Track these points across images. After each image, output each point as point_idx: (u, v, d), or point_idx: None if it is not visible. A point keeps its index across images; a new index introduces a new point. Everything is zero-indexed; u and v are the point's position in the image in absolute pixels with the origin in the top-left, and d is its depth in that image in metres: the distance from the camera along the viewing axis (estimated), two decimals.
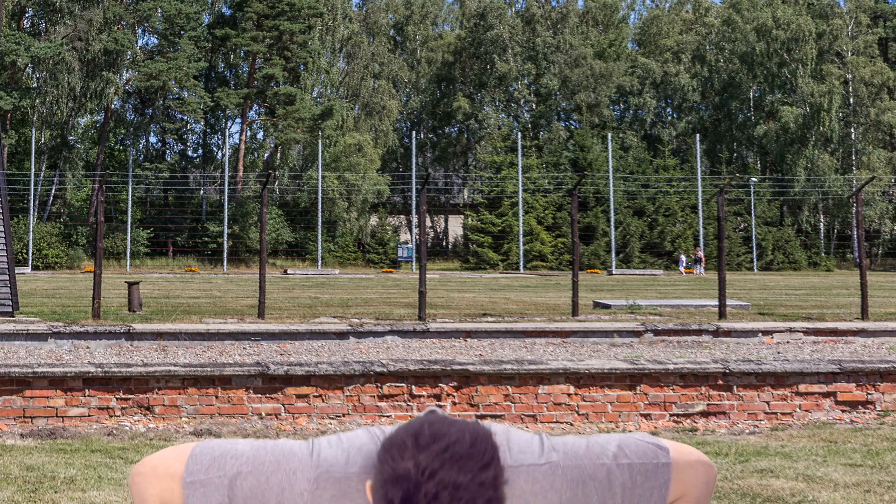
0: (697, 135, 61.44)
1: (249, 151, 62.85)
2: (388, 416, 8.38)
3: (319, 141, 57.05)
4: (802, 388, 8.60)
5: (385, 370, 8.41)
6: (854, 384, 8.71)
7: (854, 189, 49.56)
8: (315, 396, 8.44)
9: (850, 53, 63.49)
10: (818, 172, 60.11)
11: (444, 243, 68.60)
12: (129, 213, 54.26)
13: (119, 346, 14.49)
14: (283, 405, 8.40)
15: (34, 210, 53.08)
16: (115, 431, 7.89)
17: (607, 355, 13.94)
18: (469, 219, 60.59)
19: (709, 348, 14.97)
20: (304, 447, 1.57)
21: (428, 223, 67.56)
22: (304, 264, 55.51)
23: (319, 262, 55.44)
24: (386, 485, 1.33)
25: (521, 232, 56.67)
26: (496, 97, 66.89)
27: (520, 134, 60.35)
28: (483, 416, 8.27)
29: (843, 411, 8.66)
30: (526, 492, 1.53)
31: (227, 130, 62.39)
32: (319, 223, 56.35)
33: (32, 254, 50.21)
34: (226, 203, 56.56)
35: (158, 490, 1.59)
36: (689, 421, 8.43)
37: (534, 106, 66.14)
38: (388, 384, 8.42)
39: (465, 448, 1.34)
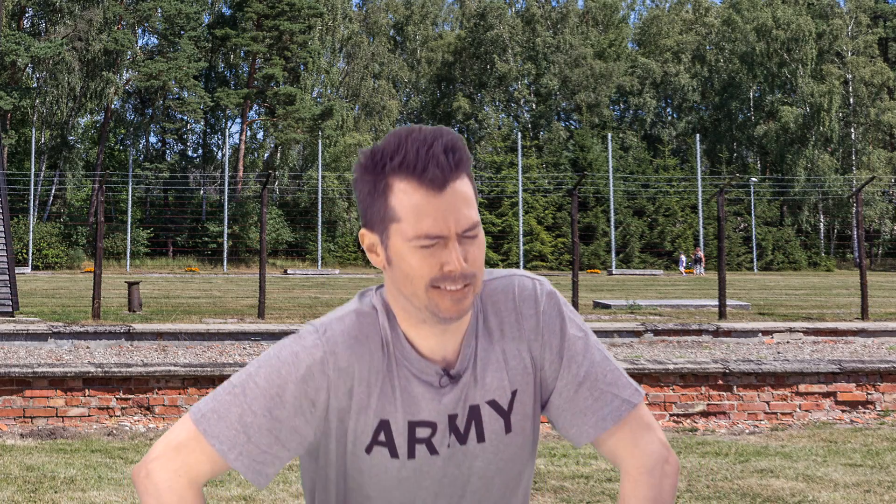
0: (697, 135, 61.46)
1: (249, 151, 62.87)
2: None
3: (319, 141, 57.07)
4: (802, 388, 8.60)
5: None
6: (854, 384, 8.71)
7: (854, 189, 49.56)
8: None
9: (850, 53, 63.50)
10: (818, 172, 60.13)
11: None
12: (129, 213, 54.27)
13: (119, 346, 14.49)
14: None
15: (34, 210, 53.09)
16: (115, 431, 7.89)
17: None
18: None
19: (709, 348, 14.97)
20: (307, 329, 1.57)
21: None
22: (304, 264, 55.52)
23: (319, 262, 55.45)
24: (363, 164, 1.48)
25: (521, 232, 56.67)
26: (496, 97, 66.91)
27: (520, 134, 60.38)
28: None
29: (843, 411, 8.66)
30: (517, 296, 1.60)
31: (227, 130, 62.45)
32: (319, 223, 56.36)
33: (32, 254, 50.21)
34: (226, 203, 56.58)
35: (178, 464, 1.52)
36: (689, 421, 8.43)
37: (534, 106, 66.15)
38: None
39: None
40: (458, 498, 1.60)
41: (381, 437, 1.55)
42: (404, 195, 1.44)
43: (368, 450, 1.56)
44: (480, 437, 1.58)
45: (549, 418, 1.64)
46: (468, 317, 1.56)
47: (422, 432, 1.56)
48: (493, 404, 1.58)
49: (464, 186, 1.45)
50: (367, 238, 1.51)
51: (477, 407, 1.57)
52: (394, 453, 1.56)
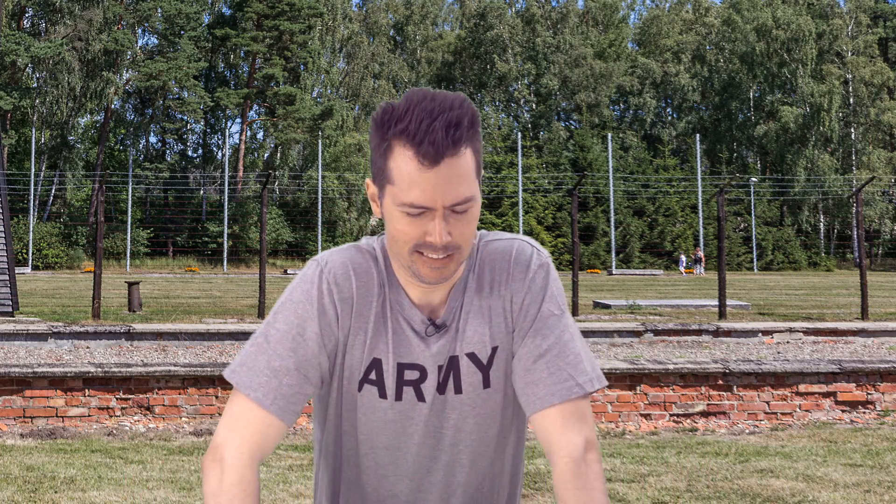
0: (697, 135, 61.45)
1: (249, 151, 62.85)
2: None
3: (319, 141, 57.06)
4: (802, 388, 8.60)
5: None
6: (854, 384, 8.71)
7: (854, 189, 49.55)
8: None
9: (850, 53, 63.50)
10: (818, 172, 60.12)
11: None
12: (129, 213, 54.26)
13: (119, 346, 14.49)
14: None
15: (34, 210, 53.09)
16: (115, 431, 7.89)
17: (607, 355, 13.94)
18: None
19: (709, 348, 14.97)
20: (310, 264, 1.66)
21: None
22: (304, 264, 55.13)
23: None
24: (376, 118, 1.51)
25: (521, 232, 56.62)
26: (496, 97, 66.89)
27: (520, 134, 60.37)
28: None
29: (843, 411, 8.66)
30: (513, 258, 1.64)
31: (227, 130, 62.44)
32: (319, 223, 56.36)
33: (32, 254, 50.20)
34: (226, 203, 56.57)
35: (238, 441, 1.56)
36: (689, 421, 8.43)
37: (534, 106, 66.14)
38: None
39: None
40: (436, 451, 1.64)
41: (372, 376, 1.61)
42: (401, 160, 1.47)
43: (360, 387, 1.62)
44: (458, 389, 1.62)
45: None
46: (458, 272, 1.60)
47: (410, 375, 1.60)
48: (472, 357, 1.62)
49: (461, 161, 1.47)
50: (371, 188, 1.57)
51: (456, 358, 1.61)
52: (382, 393, 1.61)
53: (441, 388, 1.61)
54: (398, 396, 1.61)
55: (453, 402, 1.62)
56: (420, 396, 1.61)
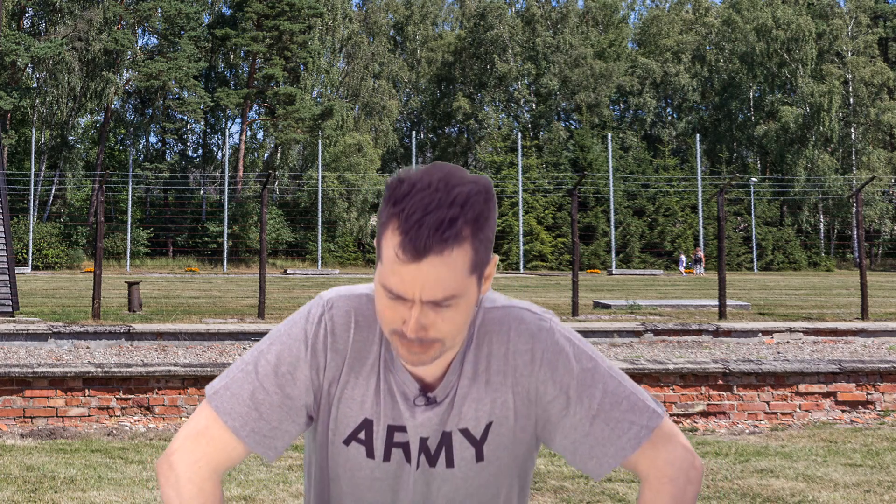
0: (697, 135, 61.45)
1: (249, 151, 62.86)
2: None
3: (319, 141, 57.07)
4: (802, 388, 8.60)
5: None
6: (854, 384, 8.71)
7: (854, 189, 49.54)
8: None
9: (850, 53, 63.50)
10: (818, 172, 60.12)
11: None
12: (129, 213, 54.28)
13: (119, 346, 14.49)
14: None
15: (34, 210, 53.09)
16: (115, 431, 7.89)
17: (607, 355, 13.94)
18: None
19: (709, 348, 14.97)
20: (317, 302, 1.60)
21: None
22: (304, 264, 55.52)
23: (319, 262, 55.44)
24: (387, 186, 1.44)
25: (521, 232, 56.66)
26: (496, 97, 66.89)
27: (520, 134, 60.38)
28: None
29: (843, 411, 8.66)
30: (511, 329, 1.56)
31: (227, 130, 62.44)
32: (319, 223, 56.36)
33: (32, 254, 50.21)
34: (226, 203, 56.58)
35: (198, 454, 1.54)
36: (689, 421, 8.43)
37: (534, 106, 66.14)
38: None
39: (465, 171, 1.45)
40: None
41: (361, 435, 1.58)
42: (389, 244, 1.40)
43: (346, 442, 1.59)
44: (449, 463, 1.58)
45: (562, 453, 1.61)
46: (448, 355, 1.53)
47: (399, 437, 1.57)
48: (465, 433, 1.57)
49: (447, 260, 1.39)
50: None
51: (449, 434, 1.57)
52: (370, 454, 1.58)
53: (432, 461, 1.58)
54: (386, 457, 1.58)
55: (444, 475, 1.58)
56: (408, 458, 1.57)
